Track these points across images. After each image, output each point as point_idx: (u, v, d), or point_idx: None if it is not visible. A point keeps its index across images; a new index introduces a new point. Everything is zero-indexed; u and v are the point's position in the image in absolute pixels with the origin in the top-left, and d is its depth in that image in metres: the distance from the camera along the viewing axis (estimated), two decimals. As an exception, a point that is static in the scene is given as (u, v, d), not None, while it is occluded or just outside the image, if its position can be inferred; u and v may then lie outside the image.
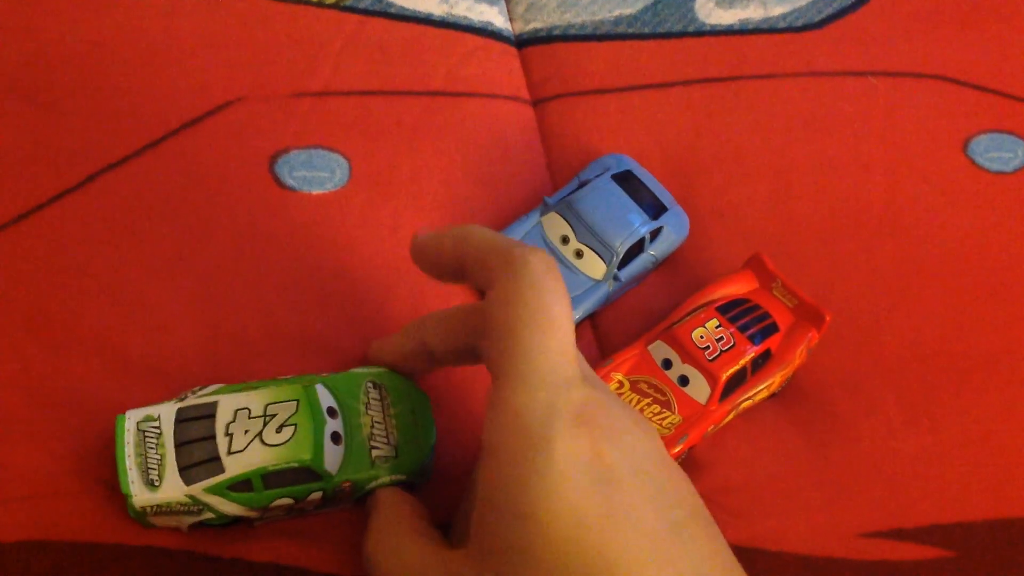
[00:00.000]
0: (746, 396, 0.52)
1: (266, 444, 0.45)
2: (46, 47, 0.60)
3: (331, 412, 0.46)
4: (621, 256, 0.56)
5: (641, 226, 0.56)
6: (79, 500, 0.47)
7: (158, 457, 0.45)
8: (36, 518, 0.46)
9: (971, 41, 0.70)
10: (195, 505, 0.45)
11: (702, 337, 0.52)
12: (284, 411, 0.46)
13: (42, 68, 0.59)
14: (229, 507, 0.45)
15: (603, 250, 0.56)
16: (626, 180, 0.58)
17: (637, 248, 0.57)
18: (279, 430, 0.45)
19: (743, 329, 0.53)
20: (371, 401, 0.48)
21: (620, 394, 0.52)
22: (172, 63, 0.61)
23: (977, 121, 0.67)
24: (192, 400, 0.47)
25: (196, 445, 0.45)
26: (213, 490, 0.44)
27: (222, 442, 0.45)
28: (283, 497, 0.45)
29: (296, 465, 0.45)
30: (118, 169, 0.56)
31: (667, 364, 0.53)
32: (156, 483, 0.44)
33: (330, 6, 0.65)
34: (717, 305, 0.54)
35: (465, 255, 0.42)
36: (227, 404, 0.46)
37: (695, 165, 0.63)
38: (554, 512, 0.37)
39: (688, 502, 0.40)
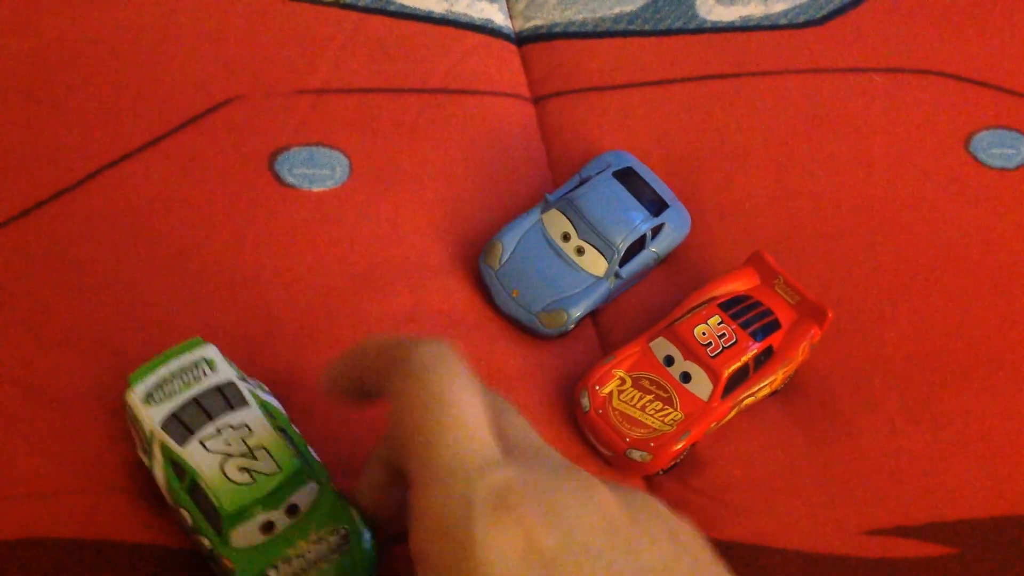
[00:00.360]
0: (748, 393, 0.52)
1: (230, 465, 0.44)
2: (46, 44, 0.60)
3: (292, 510, 0.44)
4: (623, 253, 0.56)
5: (642, 223, 0.56)
6: (80, 498, 0.47)
7: (175, 390, 0.45)
8: (37, 516, 0.46)
9: (973, 37, 0.70)
10: (147, 444, 0.44)
11: (704, 334, 0.52)
12: (265, 461, 0.44)
13: (42, 65, 0.59)
14: (158, 470, 0.44)
15: (605, 247, 0.55)
16: (627, 177, 0.58)
17: (638, 245, 0.56)
18: (245, 470, 0.43)
19: (745, 326, 0.53)
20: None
21: (622, 391, 0.52)
22: (172, 60, 0.61)
23: (979, 117, 0.66)
24: (246, 387, 0.46)
25: (198, 414, 0.44)
26: (165, 451, 0.44)
27: (207, 429, 0.44)
28: (185, 509, 0.44)
29: (215, 504, 0.43)
30: (118, 167, 0.56)
31: (669, 361, 0.52)
32: (154, 401, 0.44)
33: (330, 4, 0.65)
34: (719, 302, 0.54)
35: (363, 369, 0.40)
36: (249, 416, 0.45)
37: (696, 162, 0.63)
38: None
39: (657, 564, 0.35)
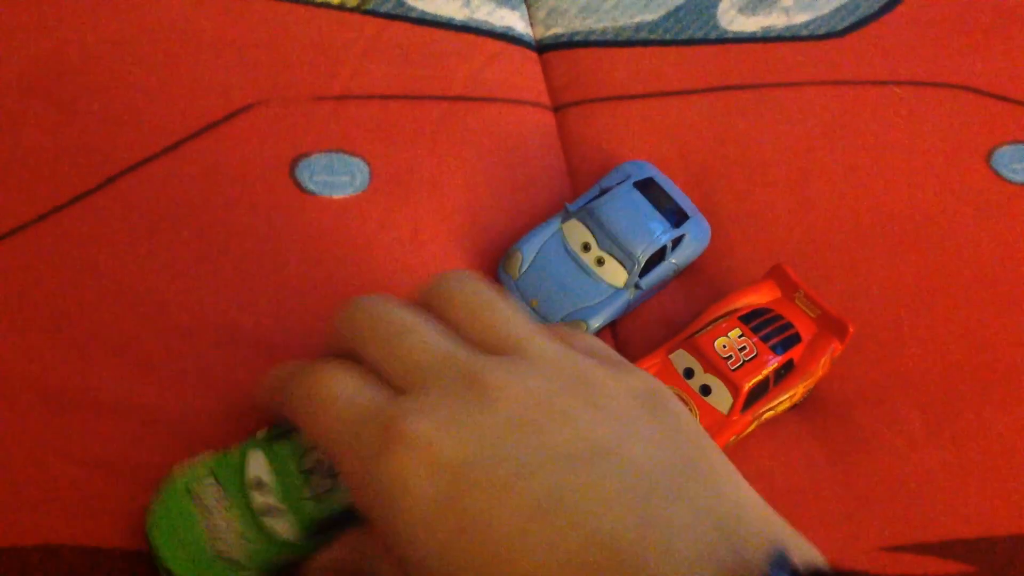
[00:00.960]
0: (768, 407, 0.52)
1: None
2: (65, 46, 0.60)
3: None
4: (643, 264, 0.55)
5: (663, 234, 0.56)
6: (96, 504, 0.46)
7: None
8: (53, 522, 0.46)
9: (995, 51, 0.70)
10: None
11: (725, 347, 0.52)
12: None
13: (62, 68, 0.59)
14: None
15: (625, 258, 0.55)
16: (648, 188, 0.58)
17: (659, 256, 0.56)
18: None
19: (766, 339, 0.52)
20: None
21: None
22: (193, 65, 0.60)
23: (1001, 132, 0.66)
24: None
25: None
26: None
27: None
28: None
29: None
30: (138, 171, 0.56)
31: (689, 373, 0.52)
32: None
33: (351, 9, 0.65)
34: (740, 314, 0.53)
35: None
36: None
37: (716, 173, 0.63)
38: (421, 565, 0.35)
39: (588, 433, 0.36)
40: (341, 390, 0.39)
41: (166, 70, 0.60)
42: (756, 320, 0.53)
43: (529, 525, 0.34)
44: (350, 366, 0.40)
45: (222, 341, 0.52)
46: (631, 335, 0.57)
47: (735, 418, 0.51)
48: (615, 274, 0.56)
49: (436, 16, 0.66)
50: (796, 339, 0.53)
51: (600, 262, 0.56)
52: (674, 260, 0.57)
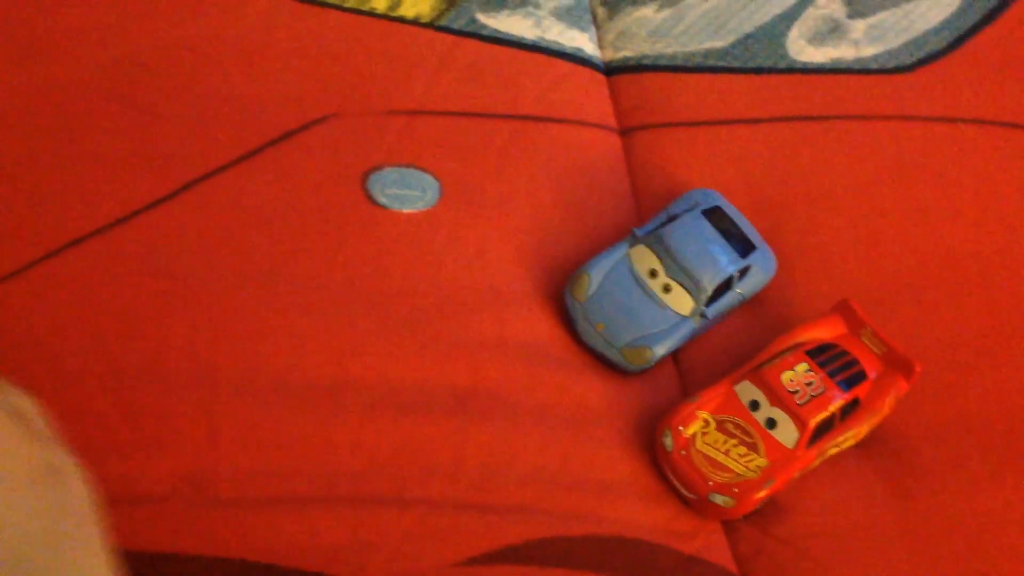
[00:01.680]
0: (833, 443, 0.52)
1: None
2: (141, 50, 0.61)
3: None
4: (710, 293, 0.55)
5: (730, 264, 0.56)
6: (166, 509, 0.47)
7: None
8: (121, 526, 0.46)
9: (1063, 92, 0.70)
10: None
11: (792, 381, 0.52)
12: None
13: (139, 71, 0.60)
14: None
15: (692, 286, 0.55)
16: (715, 216, 0.58)
17: (725, 286, 0.56)
18: None
19: (832, 375, 0.52)
20: None
21: (706, 433, 0.52)
22: (269, 74, 0.61)
23: (1068, 173, 0.66)
24: None
25: None
26: None
27: None
28: None
29: None
30: (214, 178, 0.56)
31: (754, 406, 0.52)
32: None
33: (425, 25, 0.65)
34: (806, 349, 0.53)
35: None
36: None
37: (782, 203, 0.63)
38: None
39: None
40: None
41: (243, 78, 0.60)
42: (823, 355, 0.53)
43: None
44: None
45: (291, 349, 0.52)
46: (694, 364, 0.57)
47: (800, 453, 0.51)
48: (681, 302, 0.56)
49: (507, 35, 0.66)
50: (862, 376, 0.53)
51: (667, 289, 0.56)
52: (740, 290, 0.57)
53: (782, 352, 0.54)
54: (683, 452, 0.51)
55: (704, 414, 0.52)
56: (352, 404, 0.52)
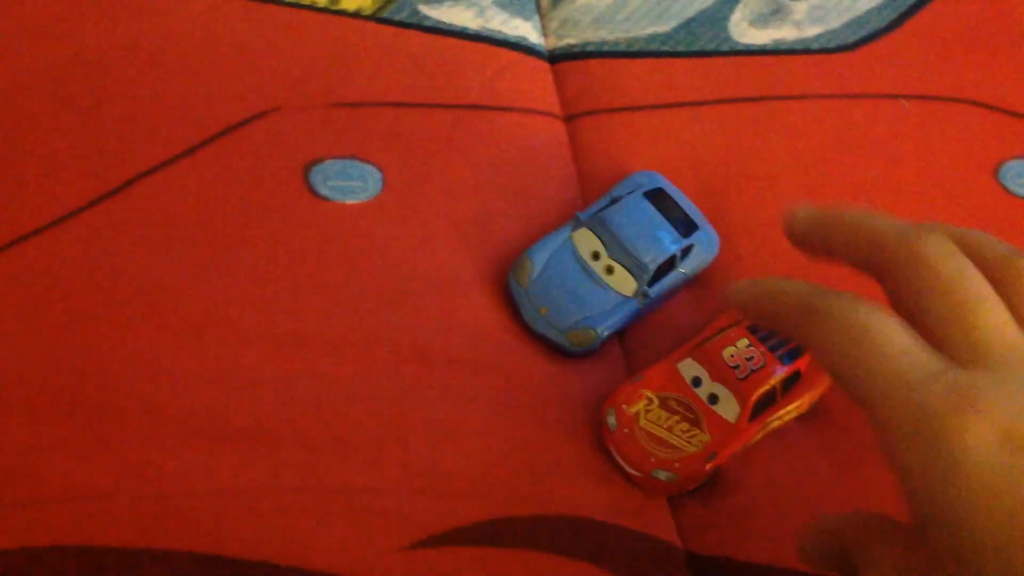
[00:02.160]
0: (775, 416, 0.52)
1: None
2: (84, 51, 0.61)
3: None
4: (652, 273, 0.56)
5: (672, 243, 0.57)
6: (111, 504, 0.47)
7: None
8: (67, 522, 0.47)
9: (1004, 66, 0.70)
10: None
11: (732, 356, 0.52)
12: None
13: (80, 72, 0.60)
14: None
15: (634, 266, 0.56)
16: (658, 197, 0.58)
17: (668, 265, 0.57)
18: None
19: (773, 349, 0.53)
20: None
21: (649, 411, 0.52)
22: (210, 70, 0.61)
23: (1009, 147, 0.67)
24: None
25: None
26: None
27: None
28: None
29: None
30: (155, 175, 0.57)
31: (697, 382, 0.53)
32: None
33: (366, 17, 0.66)
34: (747, 324, 0.54)
35: (854, 240, 0.42)
36: None
37: (726, 184, 0.63)
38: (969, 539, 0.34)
39: None
40: (899, 339, 0.37)
41: (183, 75, 0.61)
42: (764, 330, 0.54)
43: None
44: (898, 318, 0.38)
45: (235, 342, 0.52)
46: (639, 343, 0.57)
47: (743, 427, 0.51)
48: (624, 283, 0.56)
49: (450, 25, 0.67)
50: (803, 349, 0.54)
51: (609, 270, 0.56)
52: (683, 269, 0.57)
53: (724, 328, 0.54)
54: (626, 430, 0.52)
55: (648, 392, 0.53)
56: (298, 395, 0.52)
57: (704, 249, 0.58)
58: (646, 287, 0.56)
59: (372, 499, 0.50)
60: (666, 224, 0.57)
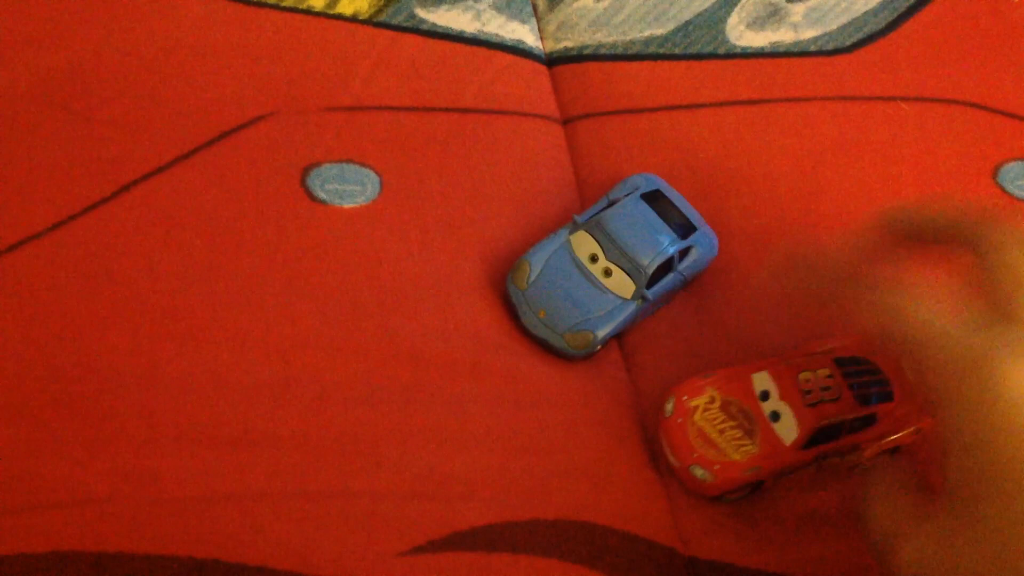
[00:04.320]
0: (835, 452, 0.51)
1: None
2: (81, 56, 0.61)
3: None
4: (650, 275, 0.56)
5: (670, 245, 0.57)
6: (109, 509, 0.47)
7: None
8: (65, 528, 0.46)
9: (1002, 68, 0.70)
10: None
11: (808, 380, 0.52)
12: None
13: (77, 77, 0.60)
14: None
15: (632, 269, 0.56)
16: (655, 199, 0.58)
17: (666, 267, 0.57)
18: None
19: (853, 387, 0.52)
20: None
21: (708, 409, 0.52)
22: (207, 75, 0.61)
23: (1007, 148, 0.66)
24: None
25: None
26: None
27: None
28: None
29: None
30: (152, 180, 0.56)
31: (765, 396, 0.52)
32: None
33: (364, 22, 0.66)
34: (836, 356, 0.53)
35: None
36: None
37: (724, 186, 0.63)
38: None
39: None
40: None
41: (180, 81, 0.61)
42: (852, 367, 0.52)
43: None
44: None
45: (233, 346, 0.52)
46: (637, 346, 0.57)
47: (794, 451, 0.50)
48: (622, 285, 0.56)
49: (447, 29, 0.67)
50: (887, 397, 0.52)
51: (607, 273, 0.56)
52: (681, 272, 0.57)
53: (814, 354, 0.53)
54: (679, 420, 0.52)
55: (712, 390, 0.52)
56: (296, 399, 0.52)
57: (702, 251, 0.58)
58: (644, 289, 0.56)
59: (370, 503, 0.50)
60: (664, 226, 0.57)
